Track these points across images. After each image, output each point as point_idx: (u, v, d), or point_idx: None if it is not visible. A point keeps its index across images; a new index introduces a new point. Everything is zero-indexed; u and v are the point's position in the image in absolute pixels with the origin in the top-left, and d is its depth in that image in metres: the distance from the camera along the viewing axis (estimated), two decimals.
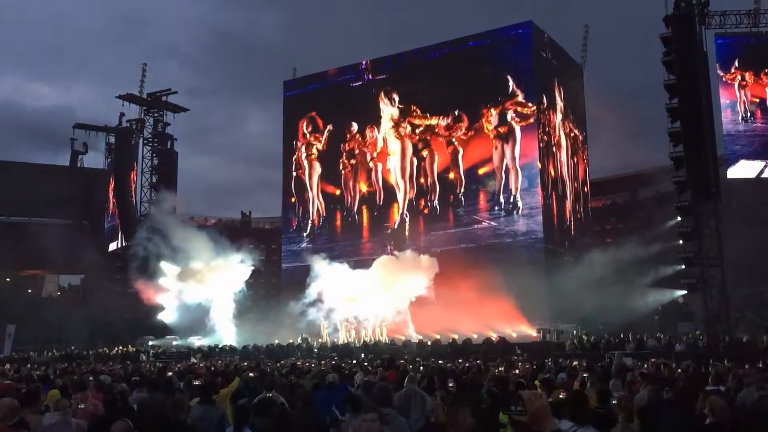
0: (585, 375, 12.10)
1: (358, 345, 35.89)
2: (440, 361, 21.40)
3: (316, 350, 35.77)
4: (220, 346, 39.23)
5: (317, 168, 52.57)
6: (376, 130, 49.41)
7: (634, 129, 52.49)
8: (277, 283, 53.53)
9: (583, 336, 33.49)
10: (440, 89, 47.36)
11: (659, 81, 38.89)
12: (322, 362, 24.11)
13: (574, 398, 6.73)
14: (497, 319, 36.21)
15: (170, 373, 15.82)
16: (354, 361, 24.09)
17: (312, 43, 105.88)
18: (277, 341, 38.35)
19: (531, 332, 36.49)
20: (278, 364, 22.31)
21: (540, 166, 43.37)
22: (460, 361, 22.29)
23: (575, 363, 19.41)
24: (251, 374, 15.48)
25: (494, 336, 34.07)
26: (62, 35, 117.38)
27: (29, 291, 60.00)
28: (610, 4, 79.05)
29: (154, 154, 58.55)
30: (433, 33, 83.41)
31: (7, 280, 59.42)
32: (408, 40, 76.82)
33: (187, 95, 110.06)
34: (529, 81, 44.42)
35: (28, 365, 28.38)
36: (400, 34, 78.46)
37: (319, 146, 52.26)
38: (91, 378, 15.07)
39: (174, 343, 44.11)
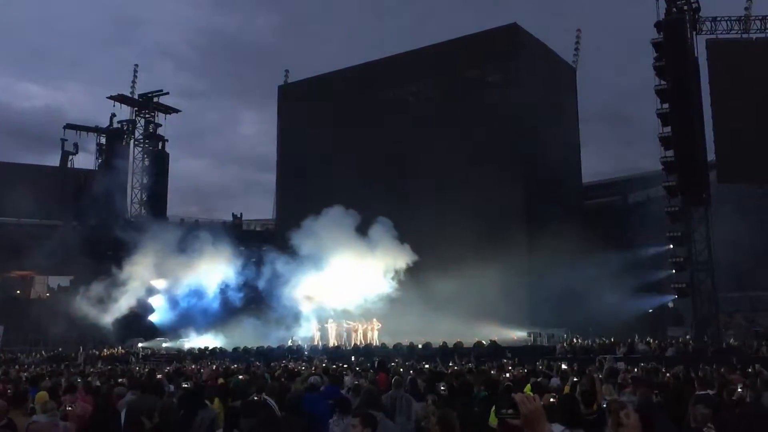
0: (575, 379, 12.07)
1: (349, 348, 35.81)
2: (426, 365, 21.26)
3: (306, 353, 35.66)
4: (210, 348, 39.07)
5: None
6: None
7: (624, 133, 52.81)
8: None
9: (575, 339, 33.56)
10: (429, 92, 47.62)
11: (650, 86, 39.19)
12: (313, 365, 24.02)
13: (566, 402, 6.73)
14: (484, 323, 36.08)
15: (159, 376, 15.72)
16: (345, 365, 24.02)
17: (304, 45, 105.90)
18: (267, 344, 38.33)
19: (517, 335, 36.48)
20: (268, 367, 22.24)
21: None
22: (450, 364, 22.28)
23: (565, 366, 19.44)
24: (241, 377, 15.40)
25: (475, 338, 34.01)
26: (54, 36, 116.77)
27: (18, 292, 59.52)
28: (603, 11, 79.37)
29: (145, 156, 58.39)
30: (424, 36, 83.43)
31: None
32: (399, 44, 76.84)
33: (179, 97, 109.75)
34: (513, 82, 44.57)
35: (17, 366, 28.19)
36: (390, 38, 78.65)
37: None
38: (79, 380, 14.97)
39: (164, 345, 43.93)
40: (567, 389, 11.23)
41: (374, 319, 38.92)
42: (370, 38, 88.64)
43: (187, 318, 46.08)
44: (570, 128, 49.32)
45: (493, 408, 8.56)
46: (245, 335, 41.20)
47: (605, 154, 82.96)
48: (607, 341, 31.57)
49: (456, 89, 46.15)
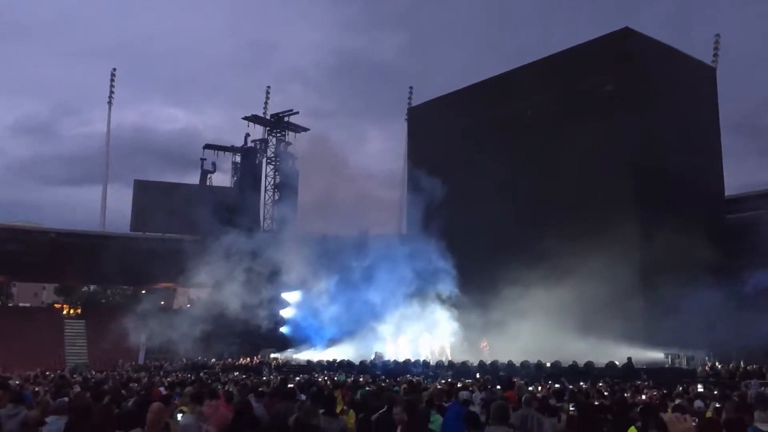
0: (717, 405, 11.35)
1: (474, 364, 35.38)
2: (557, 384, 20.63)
3: (431, 368, 35.68)
4: (338, 360, 39.97)
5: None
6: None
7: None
8: None
9: (717, 363, 31.40)
10: (547, 105, 46.18)
11: None
12: (440, 380, 24.05)
13: (710, 427, 6.39)
14: (611, 341, 34.37)
15: (291, 385, 16.27)
16: (470, 380, 23.85)
17: (429, 62, 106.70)
18: (393, 358, 38.82)
19: (655, 356, 34.35)
20: (395, 380, 22.50)
21: None
22: (581, 384, 21.59)
23: (700, 389, 18.35)
24: (368, 388, 15.67)
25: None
26: (199, 62, 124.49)
27: (162, 303, 63.57)
28: (741, 13, 74.63)
29: (277, 173, 60.96)
30: (546, 47, 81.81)
31: (143, 292, 63.45)
32: (522, 56, 75.89)
33: (308, 116, 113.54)
34: (631, 87, 42.20)
35: (161, 373, 30.16)
36: (515, 51, 77.81)
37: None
38: (219, 387, 15.78)
39: (294, 356, 45.34)
40: (709, 414, 10.62)
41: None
42: (494, 54, 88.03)
43: (314, 329, 47.42)
44: (709, 135, 46.02)
45: (632, 428, 8.24)
46: (359, 346, 42.61)
47: (746, 166, 77.55)
48: (755, 367, 29.31)
49: (573, 100, 44.39)
